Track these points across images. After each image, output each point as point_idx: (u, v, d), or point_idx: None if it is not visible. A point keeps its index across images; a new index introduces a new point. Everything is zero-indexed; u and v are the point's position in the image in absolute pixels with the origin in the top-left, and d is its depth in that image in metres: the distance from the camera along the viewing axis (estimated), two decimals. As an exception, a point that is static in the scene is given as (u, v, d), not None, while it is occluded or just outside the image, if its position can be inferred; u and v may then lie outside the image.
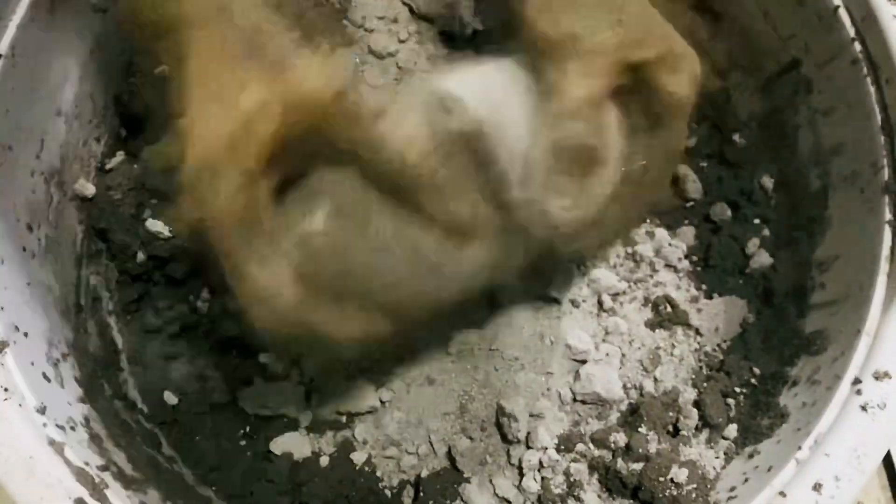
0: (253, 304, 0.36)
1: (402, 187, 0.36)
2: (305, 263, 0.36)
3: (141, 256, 0.52)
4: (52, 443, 0.38)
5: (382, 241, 0.37)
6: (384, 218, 0.37)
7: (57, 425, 0.40)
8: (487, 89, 0.38)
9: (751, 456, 0.45)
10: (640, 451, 0.47)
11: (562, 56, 0.36)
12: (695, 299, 0.53)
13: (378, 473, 0.50)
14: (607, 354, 0.51)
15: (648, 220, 0.55)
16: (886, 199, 0.44)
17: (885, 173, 0.44)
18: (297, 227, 0.37)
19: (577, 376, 0.50)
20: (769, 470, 0.41)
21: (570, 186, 0.38)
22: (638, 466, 0.46)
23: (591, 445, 0.49)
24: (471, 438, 0.50)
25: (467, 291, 0.40)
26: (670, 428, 0.48)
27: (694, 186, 0.56)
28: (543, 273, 0.52)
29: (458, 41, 0.58)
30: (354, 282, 0.38)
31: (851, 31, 0.46)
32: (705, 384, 0.50)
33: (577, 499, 0.47)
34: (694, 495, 0.44)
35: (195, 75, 0.34)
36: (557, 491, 0.48)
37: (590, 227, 0.39)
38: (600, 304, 0.53)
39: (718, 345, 0.52)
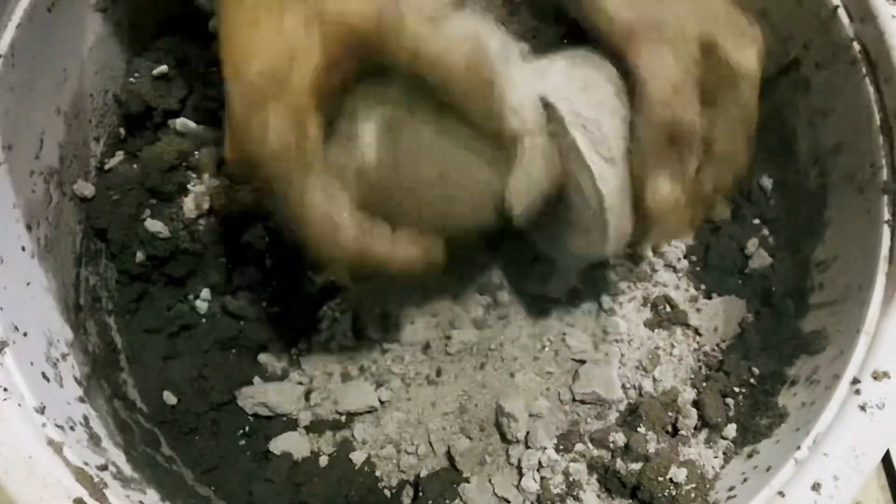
0: (316, 237, 0.36)
1: (454, 94, 0.35)
2: (363, 191, 0.36)
3: (140, 256, 0.52)
4: (51, 442, 0.38)
5: (432, 156, 0.37)
6: (433, 132, 0.37)
7: (56, 425, 0.40)
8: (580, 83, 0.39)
9: (750, 456, 0.45)
10: (640, 450, 0.47)
11: (648, 42, 0.37)
12: (694, 299, 0.53)
13: (377, 473, 0.50)
14: (606, 354, 0.51)
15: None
16: (885, 198, 0.44)
17: (884, 173, 0.44)
18: (350, 157, 0.36)
19: (576, 376, 0.50)
20: (768, 470, 0.41)
21: (672, 167, 0.39)
22: (637, 466, 0.46)
23: (590, 445, 0.49)
24: (470, 438, 0.50)
25: (504, 217, 0.40)
26: (669, 428, 0.48)
27: (693, 186, 0.56)
28: (543, 273, 0.53)
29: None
30: (410, 201, 0.38)
31: (850, 31, 0.46)
32: (704, 384, 0.50)
33: (577, 498, 0.47)
34: (693, 495, 0.44)
35: (232, 6, 0.33)
36: (556, 491, 0.48)
37: (683, 209, 0.40)
38: (599, 304, 0.53)
39: (717, 345, 0.52)
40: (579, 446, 0.49)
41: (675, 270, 0.54)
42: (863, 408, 0.40)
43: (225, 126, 0.34)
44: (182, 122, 0.53)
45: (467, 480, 0.49)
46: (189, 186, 0.54)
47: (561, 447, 0.49)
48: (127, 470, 0.43)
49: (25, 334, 0.42)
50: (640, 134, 0.38)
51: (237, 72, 0.33)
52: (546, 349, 0.51)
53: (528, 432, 0.49)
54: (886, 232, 0.44)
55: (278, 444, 0.50)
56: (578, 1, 0.39)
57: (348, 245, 0.36)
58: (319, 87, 0.33)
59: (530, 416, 0.50)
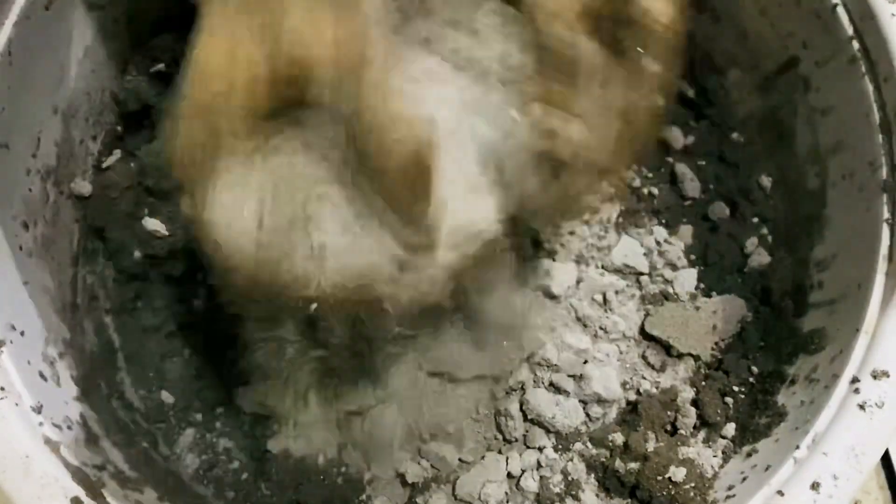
0: (216, 229, 0.35)
1: (385, 181, 0.34)
2: (265, 201, 0.35)
3: (138, 255, 0.52)
4: (48, 442, 0.38)
5: (345, 216, 0.35)
6: (354, 195, 0.35)
7: (53, 424, 0.39)
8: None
9: (749, 455, 0.45)
10: (638, 450, 0.47)
11: None
12: (693, 298, 0.53)
13: (376, 472, 0.50)
14: (607, 354, 0.51)
15: (647, 220, 0.55)
16: (885, 197, 0.44)
17: (884, 172, 0.44)
18: (262, 165, 0.35)
19: (575, 375, 0.50)
20: (767, 469, 0.41)
21: (565, 99, 0.37)
22: (636, 465, 0.46)
23: (589, 444, 0.49)
24: (469, 437, 0.50)
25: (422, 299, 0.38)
26: (668, 427, 0.48)
27: (692, 185, 0.56)
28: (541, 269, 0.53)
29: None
30: (305, 244, 0.36)
31: (850, 30, 0.46)
32: (703, 383, 0.50)
33: (576, 498, 0.47)
34: (692, 494, 0.44)
35: (206, 20, 0.34)
36: (555, 490, 0.48)
37: (592, 152, 0.38)
38: (599, 302, 0.53)
39: (716, 343, 0.52)
40: (578, 445, 0.49)
41: (673, 269, 0.54)
42: (862, 407, 0.40)
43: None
44: (180, 121, 0.53)
45: (466, 476, 0.49)
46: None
47: (560, 446, 0.49)
48: (125, 469, 0.43)
49: (23, 333, 0.42)
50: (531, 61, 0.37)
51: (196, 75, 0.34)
52: (546, 348, 0.51)
53: (526, 431, 0.49)
54: (886, 230, 0.44)
55: (276, 443, 0.50)
56: None
57: (246, 248, 0.35)
58: (253, 101, 0.34)
59: (529, 415, 0.50)
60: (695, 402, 0.49)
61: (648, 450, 0.47)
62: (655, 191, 0.56)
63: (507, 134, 0.37)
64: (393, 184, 0.34)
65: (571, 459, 0.49)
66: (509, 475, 0.49)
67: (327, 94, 0.34)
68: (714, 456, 0.46)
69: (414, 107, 0.34)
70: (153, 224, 0.52)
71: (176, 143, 0.35)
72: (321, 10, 0.33)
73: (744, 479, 0.43)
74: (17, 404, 0.39)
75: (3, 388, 0.39)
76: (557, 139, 0.37)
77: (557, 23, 0.36)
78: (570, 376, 0.50)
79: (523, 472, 0.49)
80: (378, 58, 0.33)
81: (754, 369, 0.50)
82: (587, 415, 0.50)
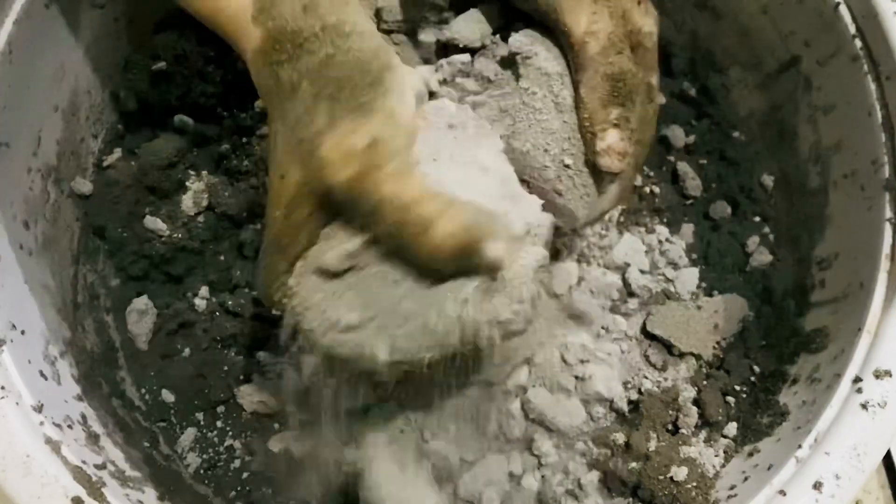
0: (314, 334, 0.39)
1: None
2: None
3: (138, 254, 0.52)
4: (49, 441, 0.38)
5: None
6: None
7: (54, 423, 0.39)
8: None
9: (751, 454, 0.45)
10: (640, 449, 0.47)
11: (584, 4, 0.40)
12: (695, 297, 0.53)
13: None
14: (608, 353, 0.51)
15: (648, 219, 0.55)
16: (887, 196, 0.44)
17: (886, 170, 0.44)
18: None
19: (577, 375, 0.50)
20: (769, 468, 0.41)
21: (619, 120, 0.41)
22: (637, 465, 0.46)
23: (590, 444, 0.49)
24: (470, 436, 0.50)
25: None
26: (670, 426, 0.48)
27: (693, 184, 0.56)
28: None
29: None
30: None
31: (852, 28, 0.46)
32: (705, 382, 0.50)
33: (577, 498, 0.47)
34: (693, 493, 0.44)
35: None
36: (557, 490, 0.48)
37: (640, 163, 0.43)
38: (600, 301, 0.53)
39: (718, 342, 0.52)
40: (580, 445, 0.49)
41: (675, 268, 0.54)
42: (864, 406, 0.39)
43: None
44: (180, 119, 0.53)
45: (467, 475, 0.49)
46: (188, 184, 0.54)
47: (561, 446, 0.49)
48: (125, 468, 0.42)
49: (23, 332, 0.42)
50: (584, 92, 0.41)
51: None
52: (546, 347, 0.51)
53: (527, 431, 0.49)
54: (888, 229, 0.44)
55: (277, 442, 0.50)
56: None
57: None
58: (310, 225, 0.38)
59: (530, 414, 0.49)
60: (696, 402, 0.49)
61: (650, 449, 0.47)
62: (657, 189, 0.56)
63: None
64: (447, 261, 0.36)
65: (573, 459, 0.48)
66: (510, 475, 0.49)
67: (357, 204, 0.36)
68: (716, 455, 0.46)
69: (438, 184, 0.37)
70: (154, 223, 0.52)
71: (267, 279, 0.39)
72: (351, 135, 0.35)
73: (745, 478, 0.43)
74: (17, 403, 0.39)
75: (3, 388, 0.39)
76: (628, 157, 0.41)
77: (611, 49, 0.40)
78: (571, 376, 0.50)
79: (524, 471, 0.49)
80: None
81: (756, 369, 0.50)
82: (589, 414, 0.50)
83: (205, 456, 0.50)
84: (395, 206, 0.35)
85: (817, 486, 0.38)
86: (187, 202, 0.53)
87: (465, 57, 0.45)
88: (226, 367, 0.52)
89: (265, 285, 0.39)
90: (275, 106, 0.37)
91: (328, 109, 0.35)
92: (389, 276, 0.37)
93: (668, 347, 0.51)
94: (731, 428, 0.47)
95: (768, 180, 0.55)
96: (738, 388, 0.49)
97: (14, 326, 0.41)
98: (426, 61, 0.49)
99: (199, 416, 0.52)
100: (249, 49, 0.38)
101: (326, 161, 0.35)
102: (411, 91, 0.39)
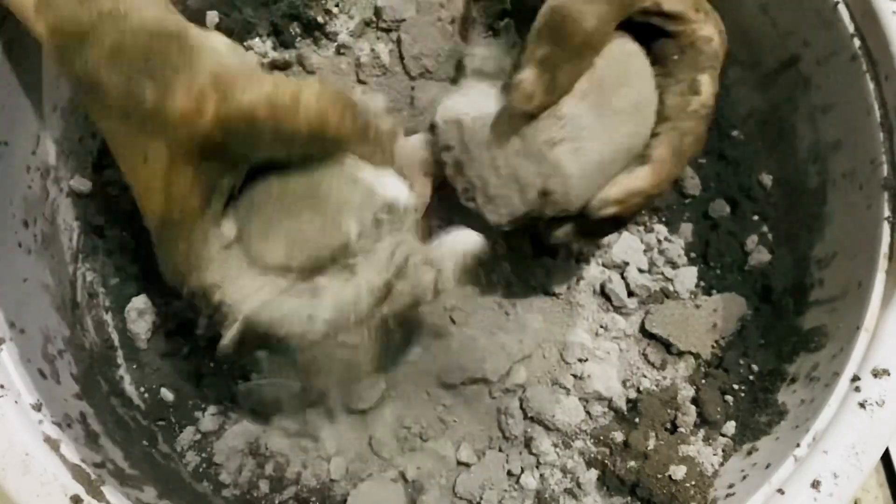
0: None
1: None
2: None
3: (137, 252, 0.52)
4: (48, 440, 0.38)
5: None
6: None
7: (53, 422, 0.39)
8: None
9: (749, 453, 0.45)
10: (639, 448, 0.47)
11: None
12: (693, 296, 0.53)
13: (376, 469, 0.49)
14: (607, 352, 0.51)
15: (647, 217, 0.55)
16: (885, 195, 0.44)
17: (884, 170, 0.44)
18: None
19: (575, 373, 0.50)
20: (767, 467, 0.41)
21: None
22: (636, 464, 0.46)
23: (589, 443, 0.49)
24: (469, 435, 0.50)
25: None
26: (668, 425, 0.48)
27: (692, 183, 0.56)
28: (545, 267, 0.53)
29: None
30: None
31: (851, 27, 0.46)
32: (703, 381, 0.50)
33: (576, 496, 0.47)
34: (692, 492, 0.44)
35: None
36: (556, 488, 0.48)
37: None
38: (599, 300, 0.53)
39: (717, 341, 0.52)
40: (578, 443, 0.49)
41: (674, 266, 0.54)
42: (862, 405, 0.40)
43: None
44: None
45: (466, 474, 0.49)
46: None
47: (560, 444, 0.49)
48: (124, 467, 0.42)
49: (22, 331, 0.42)
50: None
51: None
52: (546, 346, 0.51)
53: (526, 429, 0.49)
54: (886, 229, 0.44)
55: (277, 442, 0.50)
56: None
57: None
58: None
59: (529, 413, 0.50)
60: (695, 401, 0.49)
61: (648, 448, 0.47)
62: (656, 189, 0.56)
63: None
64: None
65: (572, 457, 0.48)
66: (509, 473, 0.49)
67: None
68: (714, 454, 0.46)
69: None
70: (153, 222, 0.52)
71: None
72: None
73: (744, 477, 0.43)
74: (16, 402, 0.39)
75: (2, 386, 0.39)
76: (535, 101, 0.40)
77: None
78: (570, 374, 0.50)
79: (523, 470, 0.49)
80: None
81: (754, 367, 0.50)
82: (587, 413, 0.50)
83: (204, 454, 0.50)
84: (261, 106, 0.35)
85: (815, 484, 0.38)
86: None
87: None
88: (225, 366, 0.52)
89: (173, 271, 0.39)
90: (90, 104, 0.37)
91: (150, 82, 0.35)
92: (285, 202, 0.38)
93: (666, 346, 0.51)
94: (730, 427, 0.47)
95: (767, 179, 0.55)
96: (736, 386, 0.49)
97: (13, 325, 0.41)
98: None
99: (199, 414, 0.52)
100: (43, 42, 0.37)
101: (184, 115, 0.34)
102: (218, 35, 0.38)
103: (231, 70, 0.35)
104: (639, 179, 0.41)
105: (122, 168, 0.37)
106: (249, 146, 0.36)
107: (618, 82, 0.40)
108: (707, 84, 0.40)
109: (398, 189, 0.39)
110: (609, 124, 0.40)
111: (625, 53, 0.40)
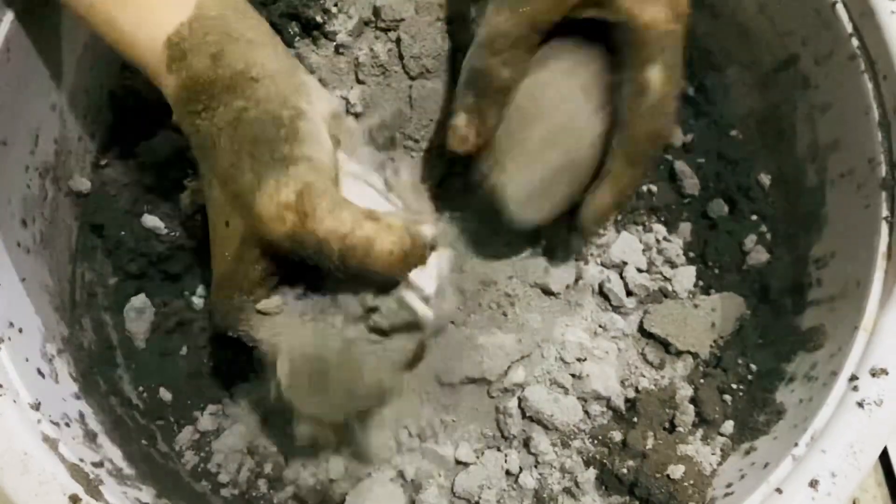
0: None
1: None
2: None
3: (136, 252, 0.52)
4: (46, 439, 0.38)
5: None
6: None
7: (51, 421, 0.39)
8: None
9: (747, 452, 0.45)
10: (637, 447, 0.47)
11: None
12: (692, 295, 0.53)
13: (376, 468, 0.49)
14: (606, 352, 0.51)
15: (646, 217, 0.55)
16: (883, 195, 0.44)
17: (882, 169, 0.44)
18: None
19: (574, 373, 0.50)
20: (766, 466, 0.41)
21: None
22: (634, 463, 0.46)
23: (587, 442, 0.49)
24: (468, 434, 0.50)
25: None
26: (667, 424, 0.48)
27: (691, 183, 0.56)
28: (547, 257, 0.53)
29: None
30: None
31: (849, 27, 0.46)
32: (702, 380, 0.50)
33: (574, 496, 0.47)
34: (690, 492, 0.44)
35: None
36: (554, 488, 0.48)
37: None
38: (597, 300, 0.53)
39: (715, 341, 0.52)
40: (577, 443, 0.49)
41: (672, 266, 0.54)
42: (860, 404, 0.40)
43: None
44: (179, 118, 0.53)
45: (465, 474, 0.49)
46: (186, 182, 0.53)
47: (558, 444, 0.49)
48: (123, 466, 0.42)
49: (21, 330, 0.42)
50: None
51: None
52: (544, 345, 0.51)
53: (525, 429, 0.49)
54: (885, 228, 0.44)
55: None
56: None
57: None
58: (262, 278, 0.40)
59: (528, 412, 0.50)
60: (693, 400, 0.49)
61: (647, 447, 0.47)
62: (654, 188, 0.56)
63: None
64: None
65: (570, 457, 0.48)
66: (508, 473, 0.49)
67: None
68: (712, 453, 0.46)
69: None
70: (152, 221, 0.52)
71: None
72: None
73: (742, 476, 0.43)
74: (15, 401, 0.39)
75: (1, 385, 0.39)
76: (469, 145, 0.44)
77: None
78: (568, 374, 0.50)
79: (522, 469, 0.49)
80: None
81: (753, 367, 0.50)
82: (586, 412, 0.50)
83: (202, 454, 0.50)
84: (336, 238, 0.36)
85: (813, 483, 0.38)
86: (185, 201, 0.53)
87: None
88: (223, 366, 0.52)
89: (223, 318, 0.41)
90: (201, 157, 0.39)
91: (251, 166, 0.37)
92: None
93: (665, 346, 0.51)
94: (728, 426, 0.47)
95: (766, 179, 0.55)
96: (734, 386, 0.49)
97: (12, 324, 0.41)
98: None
99: (197, 414, 0.52)
100: (169, 95, 0.39)
101: (264, 218, 0.37)
102: (325, 128, 0.40)
103: (318, 191, 0.36)
104: (600, 197, 0.45)
105: (208, 213, 0.40)
106: (314, 261, 0.38)
107: (536, 114, 0.44)
108: (657, 76, 0.41)
109: (425, 310, 0.42)
110: (535, 151, 0.44)
111: (539, 85, 0.44)
